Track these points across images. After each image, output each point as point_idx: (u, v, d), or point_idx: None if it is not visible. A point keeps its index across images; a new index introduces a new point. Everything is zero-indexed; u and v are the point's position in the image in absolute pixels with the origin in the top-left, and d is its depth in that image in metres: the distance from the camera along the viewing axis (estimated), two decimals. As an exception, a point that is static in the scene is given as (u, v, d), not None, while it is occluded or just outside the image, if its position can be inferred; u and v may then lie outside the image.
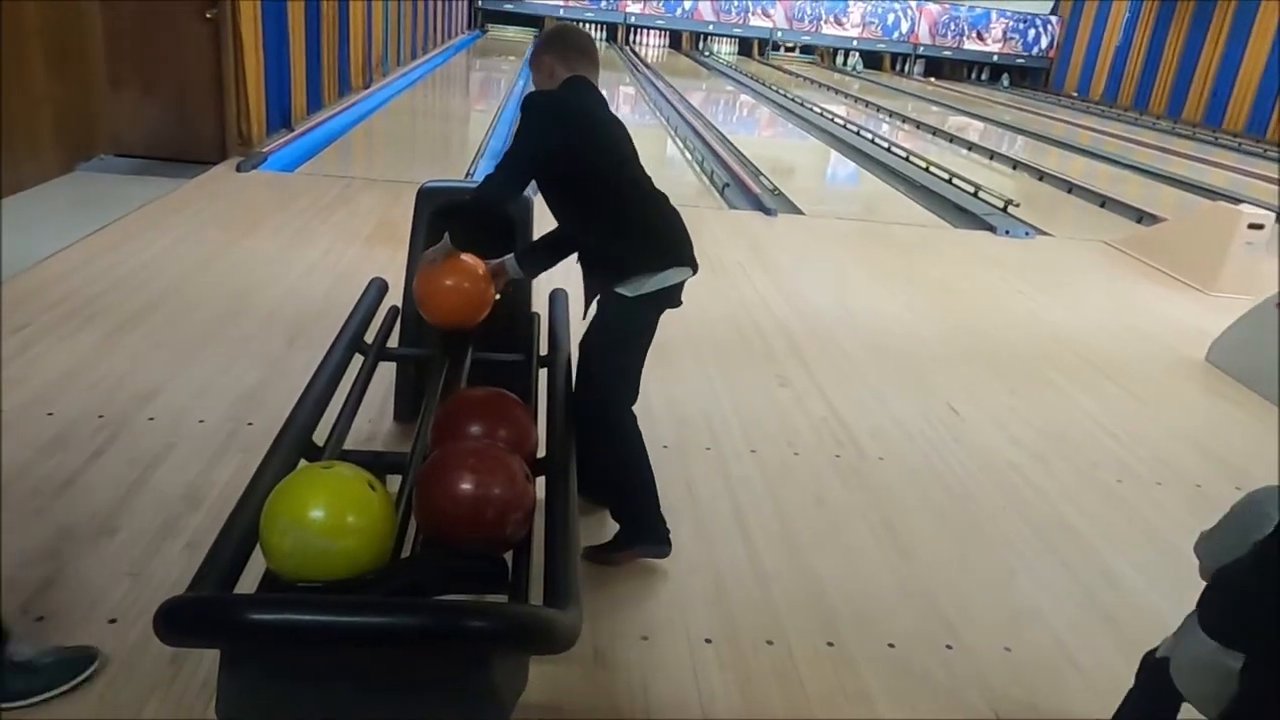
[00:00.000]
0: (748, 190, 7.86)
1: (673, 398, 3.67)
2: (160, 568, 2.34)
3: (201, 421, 3.11)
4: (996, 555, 2.87)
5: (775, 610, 2.47)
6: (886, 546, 2.85)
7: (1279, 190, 9.63)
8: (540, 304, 3.02)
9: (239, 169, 6.56)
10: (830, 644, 2.36)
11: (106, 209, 5.23)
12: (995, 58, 25.60)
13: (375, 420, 3.19)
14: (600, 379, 2.50)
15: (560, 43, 2.47)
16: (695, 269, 2.52)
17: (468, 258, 2.52)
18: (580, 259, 2.51)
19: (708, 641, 2.32)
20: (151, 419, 3.09)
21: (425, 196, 3.02)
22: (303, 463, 1.89)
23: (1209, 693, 1.60)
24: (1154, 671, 1.81)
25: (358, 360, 2.50)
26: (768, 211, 7.11)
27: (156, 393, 3.27)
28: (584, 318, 2.54)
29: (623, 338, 2.49)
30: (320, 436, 2.08)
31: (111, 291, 4.15)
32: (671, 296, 2.48)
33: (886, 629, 2.45)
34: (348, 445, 2.16)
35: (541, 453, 2.14)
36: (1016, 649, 2.43)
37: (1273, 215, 6.17)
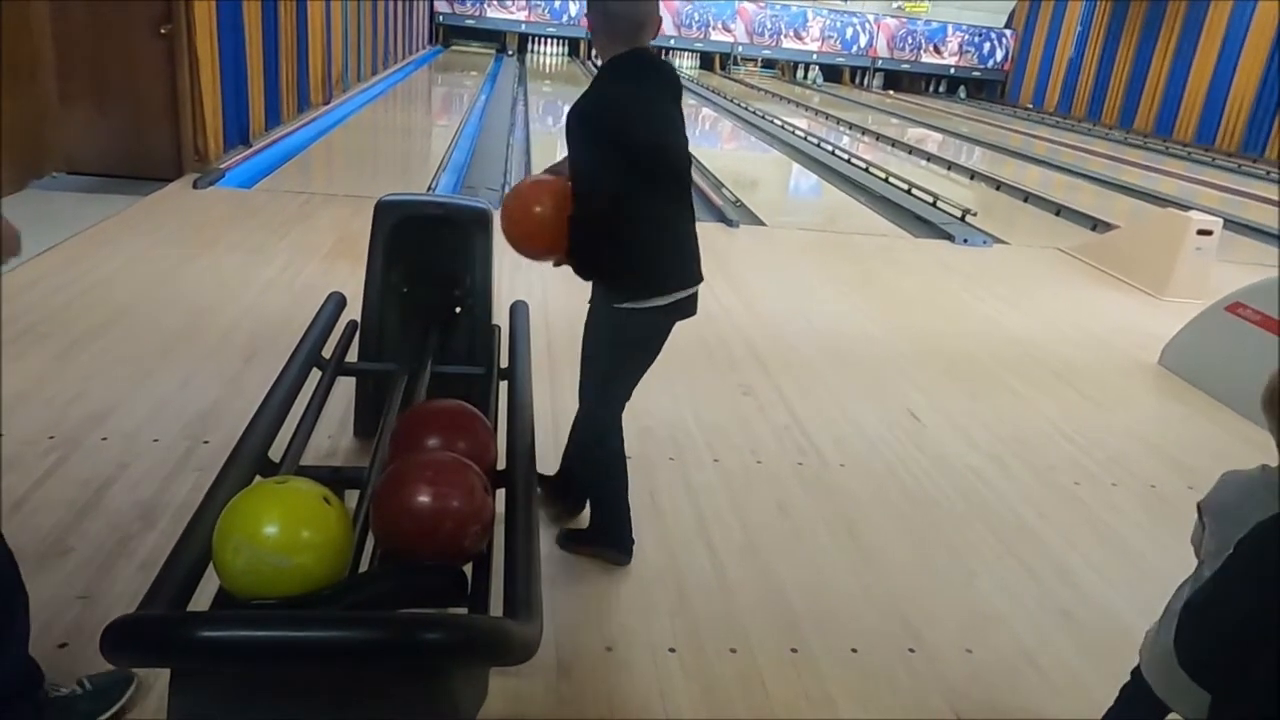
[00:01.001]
0: (710, 203, 7.90)
1: (635, 408, 3.63)
2: (113, 589, 2.29)
3: (156, 440, 3.06)
4: (957, 558, 2.90)
5: (739, 618, 2.48)
6: (849, 552, 2.87)
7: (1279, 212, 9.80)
8: (501, 316, 3.01)
9: (195, 186, 6.48)
10: (794, 650, 2.37)
11: (58, 227, 5.14)
12: (952, 70, 26.04)
13: (335, 436, 3.16)
14: (589, 381, 2.58)
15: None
16: (689, 285, 2.53)
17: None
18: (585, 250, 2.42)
19: (671, 651, 2.32)
20: (104, 439, 3.03)
21: (384, 210, 3.00)
22: (258, 479, 1.86)
23: (1180, 687, 1.61)
24: (1134, 679, 1.83)
25: (316, 376, 2.48)
26: (730, 223, 7.15)
27: (109, 412, 3.21)
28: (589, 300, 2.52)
29: (619, 348, 2.52)
30: (277, 453, 2.05)
31: (63, 311, 4.08)
32: (678, 311, 2.51)
33: (849, 634, 2.46)
34: (305, 461, 2.14)
35: (502, 465, 2.13)
36: (978, 650, 2.46)
37: (1220, 222, 6.32)
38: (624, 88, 2.32)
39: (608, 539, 2.64)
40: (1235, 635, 1.48)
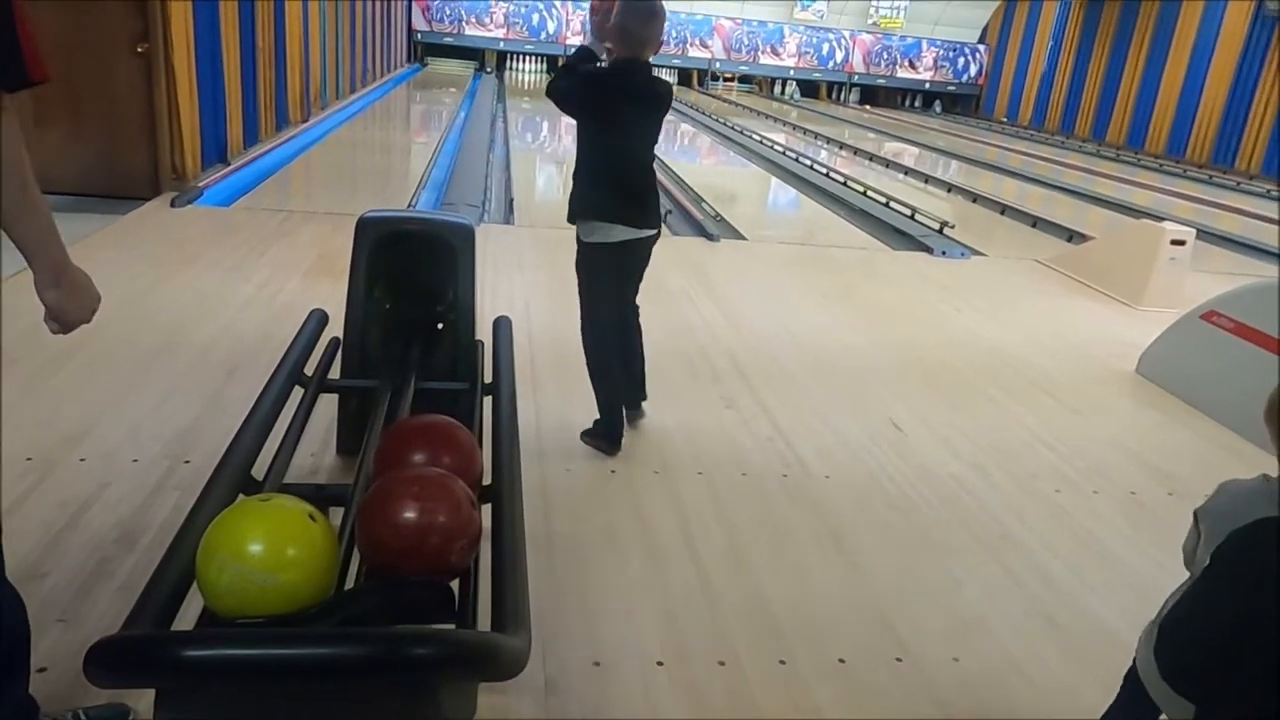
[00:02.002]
0: (691, 217, 7.94)
1: (620, 423, 3.67)
2: (92, 612, 2.26)
3: (135, 461, 3.02)
4: (942, 567, 2.92)
5: (727, 631, 2.48)
6: (835, 563, 2.87)
7: None
8: (484, 331, 3.00)
9: (173, 204, 6.44)
10: (782, 662, 2.37)
11: (34, 247, 5.07)
12: (927, 85, 26.34)
13: (318, 454, 3.14)
14: (582, 301, 3.38)
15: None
16: (647, 229, 3.30)
17: None
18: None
19: (660, 665, 2.31)
20: (82, 460, 3.00)
21: (365, 226, 2.99)
22: (241, 497, 1.85)
23: (1168, 695, 1.62)
24: (1129, 681, 1.84)
25: (298, 393, 2.46)
26: (711, 237, 7.19)
27: (87, 432, 3.17)
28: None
29: (584, 273, 3.35)
30: (260, 471, 2.03)
31: (38, 330, 3.99)
32: (626, 250, 3.29)
33: (837, 645, 2.47)
34: (288, 479, 2.11)
35: (488, 480, 2.12)
36: (964, 659, 2.47)
37: (1193, 232, 6.41)
38: (603, 79, 3.23)
39: (597, 430, 3.41)
40: (1216, 644, 1.49)
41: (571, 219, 3.31)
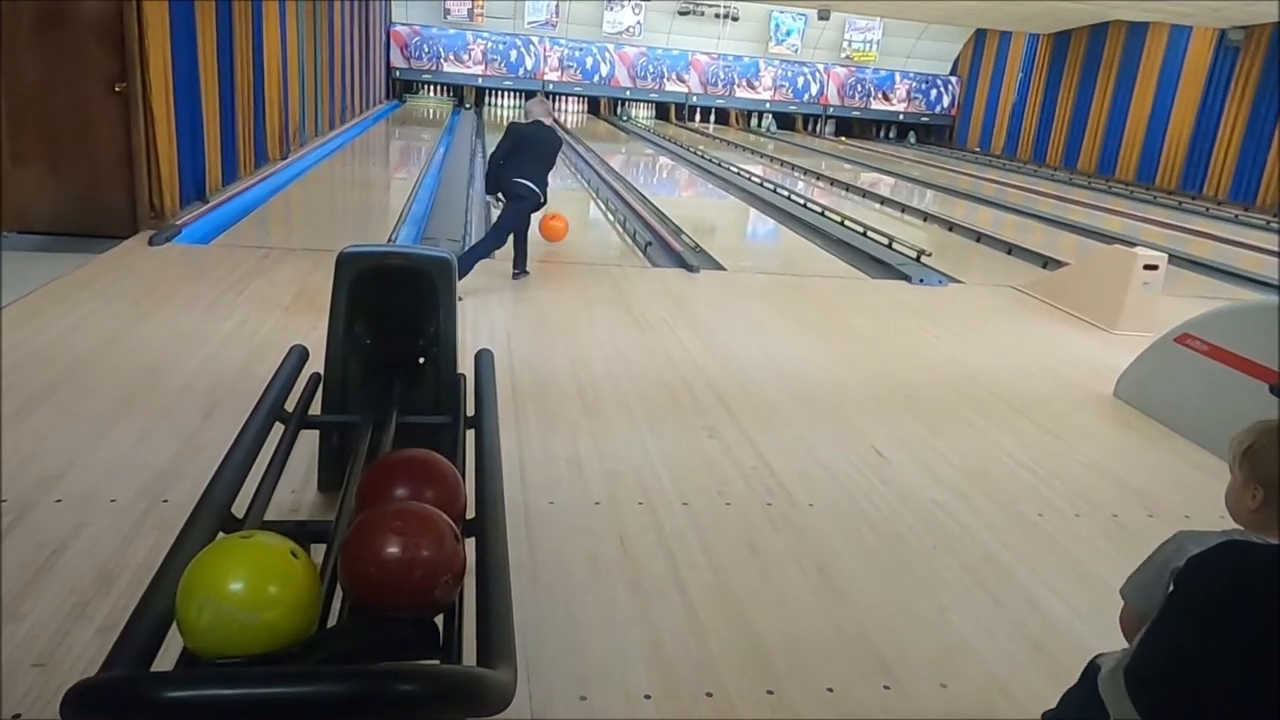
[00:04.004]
0: (670, 248, 7.99)
1: (603, 454, 3.67)
2: (70, 655, 2.22)
3: (113, 501, 2.98)
4: (928, 593, 2.92)
5: (714, 661, 2.46)
6: (821, 591, 2.87)
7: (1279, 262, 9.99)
8: (466, 364, 3.00)
9: (151, 243, 6.41)
10: (770, 692, 2.36)
11: (9, 287, 5.04)
12: (901, 116, 26.77)
13: (299, 490, 3.11)
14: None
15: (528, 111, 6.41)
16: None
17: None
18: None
19: (647, 697, 2.29)
20: (59, 500, 2.96)
21: (345, 262, 2.99)
22: (221, 535, 1.83)
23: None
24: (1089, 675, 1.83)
25: (279, 430, 2.44)
26: (690, 268, 7.23)
27: (64, 473, 3.13)
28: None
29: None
30: (240, 508, 2.02)
31: (14, 370, 3.99)
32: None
33: (825, 673, 2.46)
34: (269, 516, 2.10)
35: (471, 513, 2.11)
36: (952, 685, 2.46)
37: (1165, 257, 6.51)
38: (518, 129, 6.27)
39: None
40: (1180, 667, 1.49)
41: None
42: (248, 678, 1.29)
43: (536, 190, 6.22)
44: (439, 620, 1.66)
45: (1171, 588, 1.56)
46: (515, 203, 6.19)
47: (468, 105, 23.65)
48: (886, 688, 2.42)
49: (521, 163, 6.20)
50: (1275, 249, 11.07)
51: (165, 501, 2.99)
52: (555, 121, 7.00)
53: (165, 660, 1.47)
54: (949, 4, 18.95)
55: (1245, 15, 15.76)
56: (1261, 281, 8.90)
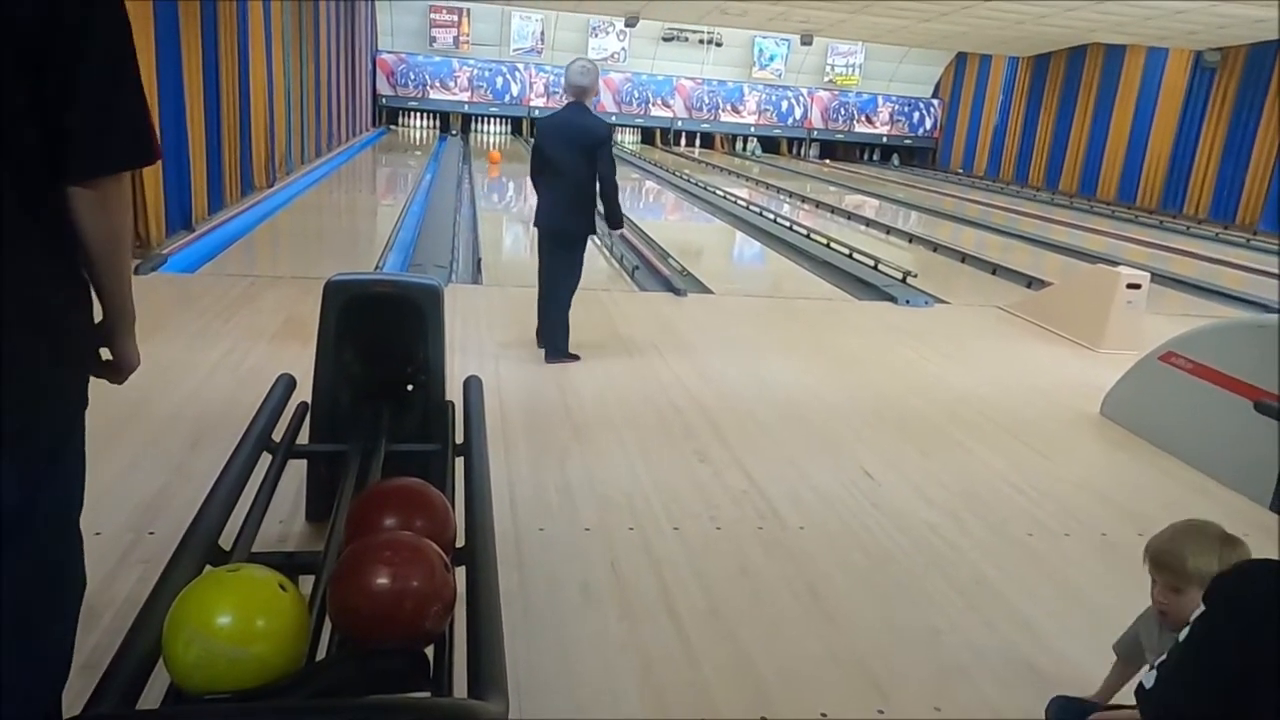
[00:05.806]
0: (657, 272, 8.02)
1: (593, 479, 3.66)
2: (53, 693, 2.18)
3: (98, 534, 2.94)
4: (920, 615, 2.91)
5: (706, 687, 2.44)
6: (813, 614, 2.86)
7: None
8: (455, 392, 3.00)
9: (137, 272, 6.37)
10: (764, 718, 2.34)
11: (-6, 318, 5.01)
12: (885, 139, 27.05)
13: (287, 521, 3.08)
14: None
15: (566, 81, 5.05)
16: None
17: None
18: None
19: (640, 726, 2.27)
20: (43, 534, 2.92)
21: (333, 290, 2.98)
22: (208, 568, 1.81)
23: None
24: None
25: (266, 460, 2.43)
26: (678, 292, 7.25)
27: (49, 506, 3.09)
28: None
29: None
30: (227, 540, 2.00)
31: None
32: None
33: (818, 698, 2.44)
34: (257, 548, 2.08)
35: (461, 542, 2.10)
36: (946, 708, 2.45)
37: (1148, 275, 6.58)
38: (548, 119, 5.17)
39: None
40: (1219, 686, 1.46)
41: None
42: (235, 715, 1.28)
43: (553, 223, 5.04)
44: (429, 651, 1.65)
45: (1201, 608, 1.53)
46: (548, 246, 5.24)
47: (454, 132, 23.75)
48: (880, 712, 2.40)
49: (541, 178, 5.00)
50: (1255, 266, 11.20)
51: (151, 534, 2.96)
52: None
53: (151, 697, 1.45)
54: (929, 27, 19.20)
55: (1220, 38, 16.04)
56: (1243, 299, 9.00)
